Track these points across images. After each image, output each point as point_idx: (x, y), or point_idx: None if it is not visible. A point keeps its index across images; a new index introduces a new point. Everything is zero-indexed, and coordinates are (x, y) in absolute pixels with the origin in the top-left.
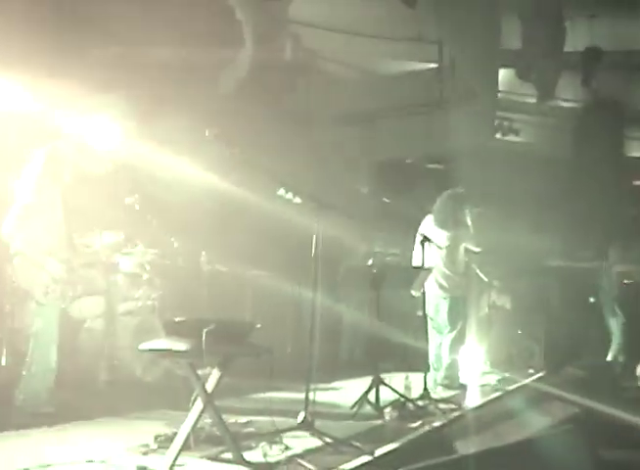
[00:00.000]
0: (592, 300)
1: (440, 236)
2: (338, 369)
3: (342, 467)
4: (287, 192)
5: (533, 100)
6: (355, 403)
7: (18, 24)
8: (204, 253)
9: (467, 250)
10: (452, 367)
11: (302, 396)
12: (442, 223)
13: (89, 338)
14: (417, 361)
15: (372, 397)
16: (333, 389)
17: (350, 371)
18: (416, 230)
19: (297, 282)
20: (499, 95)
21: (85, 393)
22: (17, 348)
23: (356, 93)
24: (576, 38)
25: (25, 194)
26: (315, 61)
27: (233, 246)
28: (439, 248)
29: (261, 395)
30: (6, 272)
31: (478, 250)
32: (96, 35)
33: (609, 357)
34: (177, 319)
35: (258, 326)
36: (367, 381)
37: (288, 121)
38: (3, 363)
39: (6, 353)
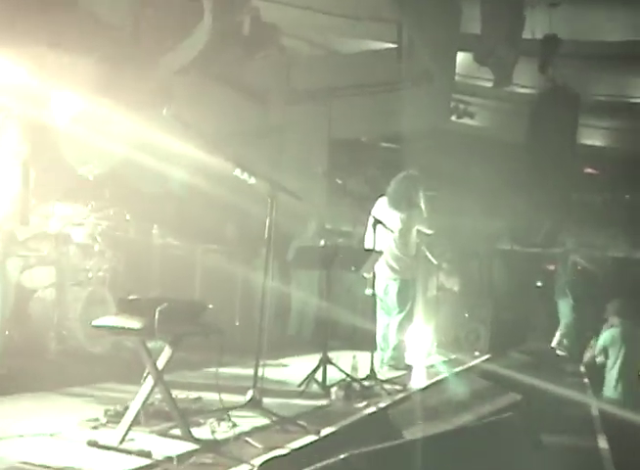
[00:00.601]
0: (539, 284)
1: (394, 218)
2: (286, 346)
3: (288, 446)
4: (242, 172)
5: (490, 84)
6: (302, 382)
7: None
8: (155, 226)
9: (419, 232)
10: (399, 348)
11: (250, 371)
12: (396, 205)
13: (40, 307)
14: (364, 341)
15: (319, 376)
16: (280, 365)
17: (298, 348)
18: (367, 208)
19: (247, 258)
20: (456, 78)
21: (34, 362)
22: None
23: (314, 70)
24: (535, 26)
25: None
26: (275, 36)
27: (185, 220)
28: (391, 231)
29: (210, 369)
30: None
31: (430, 232)
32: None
33: (553, 343)
34: (131, 297)
35: (210, 307)
36: (315, 359)
37: (245, 97)
38: None
39: None
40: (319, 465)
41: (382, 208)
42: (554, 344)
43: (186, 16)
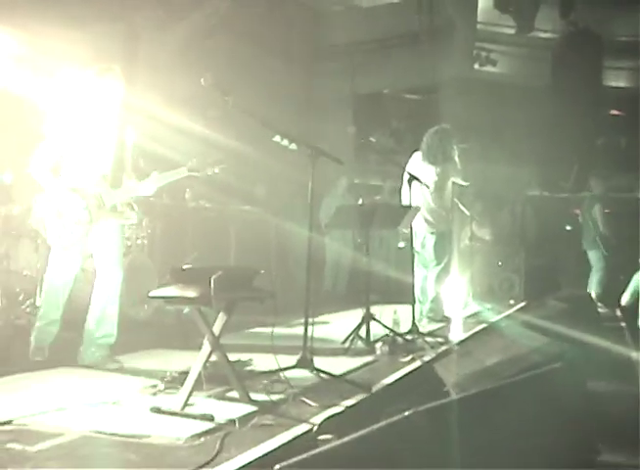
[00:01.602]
0: (569, 228)
1: (429, 172)
2: (323, 302)
3: (342, 403)
4: (282, 139)
5: (512, 31)
6: (346, 339)
7: None
8: (188, 190)
9: (453, 184)
10: (437, 300)
11: (293, 330)
12: (431, 159)
13: (82, 278)
14: (401, 294)
15: (363, 332)
16: (322, 323)
17: (335, 304)
18: (393, 161)
19: (279, 217)
20: (478, 26)
21: (79, 330)
22: (11, 290)
23: (336, 26)
24: None
25: (60, 126)
26: None
27: (215, 182)
28: (427, 186)
29: (254, 330)
30: None
31: (466, 184)
32: None
33: (589, 289)
34: (185, 267)
35: (262, 272)
36: (353, 314)
37: (270, 58)
38: None
39: (1, 295)
40: (383, 423)
41: (416, 163)
42: (589, 290)
43: None
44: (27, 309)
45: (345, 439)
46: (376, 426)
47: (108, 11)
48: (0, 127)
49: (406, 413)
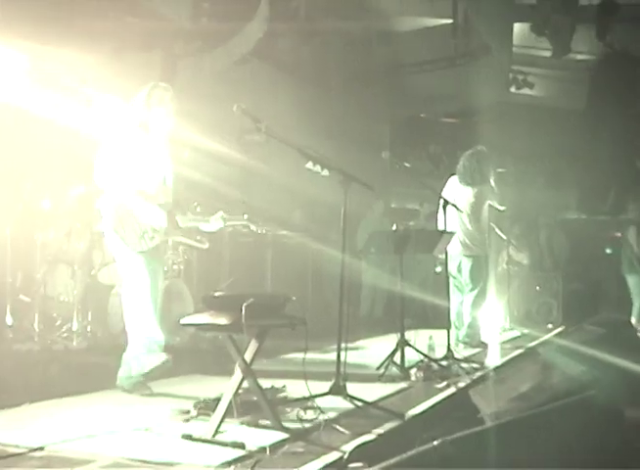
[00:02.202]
0: (608, 251)
1: (466, 194)
2: (359, 327)
3: (374, 431)
4: (314, 165)
5: (548, 54)
6: (381, 365)
7: None
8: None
9: (490, 207)
10: (473, 326)
11: (327, 356)
12: (467, 181)
13: (118, 303)
14: (437, 319)
15: (397, 358)
16: (357, 348)
17: (371, 329)
18: (430, 185)
19: (316, 243)
20: (514, 49)
21: (117, 358)
22: (48, 315)
23: (372, 51)
24: None
25: (125, 133)
26: (331, 19)
27: (252, 208)
28: (461, 211)
29: (287, 356)
30: (36, 241)
31: (502, 208)
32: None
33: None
34: (217, 294)
35: (294, 298)
36: (389, 339)
37: (305, 84)
38: (36, 329)
39: (38, 320)
40: (411, 453)
41: (452, 186)
42: (633, 321)
43: (243, 4)
44: (64, 334)
45: (375, 468)
46: (405, 455)
47: (145, 41)
48: (40, 156)
49: (435, 443)
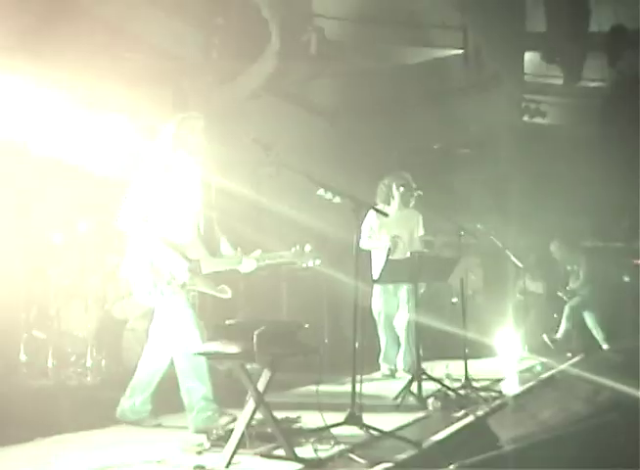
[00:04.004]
0: (626, 279)
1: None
2: (375, 358)
3: (391, 460)
4: (326, 192)
5: (560, 81)
6: (398, 395)
7: None
8: (239, 248)
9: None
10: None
11: (344, 388)
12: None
13: (133, 338)
14: (454, 349)
15: (414, 388)
16: (374, 379)
17: None
18: (444, 215)
19: (330, 274)
20: (525, 78)
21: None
22: (63, 350)
23: (382, 82)
24: (601, 18)
25: (153, 173)
26: (341, 53)
27: (266, 240)
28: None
29: (306, 388)
30: (49, 276)
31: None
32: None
33: None
34: (228, 322)
35: (306, 326)
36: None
37: (316, 117)
38: (50, 365)
39: (52, 356)
40: None
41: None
42: None
43: (253, 40)
44: (79, 370)
45: None
46: None
47: (155, 77)
48: (50, 190)
49: (451, 467)
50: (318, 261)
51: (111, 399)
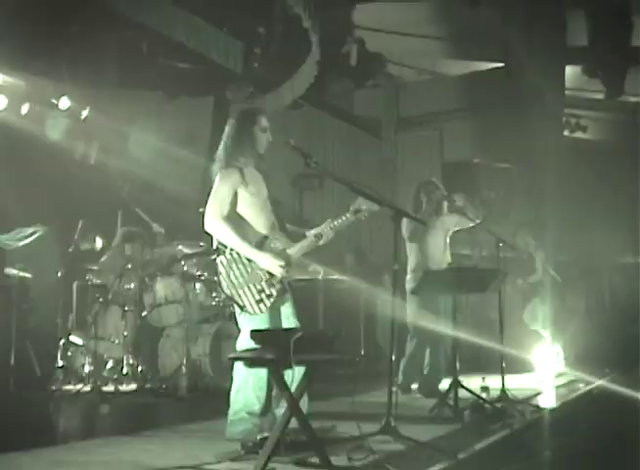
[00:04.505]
0: None
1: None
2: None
3: None
4: (365, 200)
5: (601, 96)
6: (434, 406)
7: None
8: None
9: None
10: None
11: (379, 398)
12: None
13: (169, 345)
14: (491, 363)
15: (450, 399)
16: (410, 391)
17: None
18: (483, 230)
19: (369, 286)
20: (566, 92)
21: (167, 400)
22: (99, 356)
23: (423, 96)
24: None
25: (223, 171)
26: (381, 65)
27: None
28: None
29: (341, 398)
30: (87, 283)
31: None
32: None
33: None
34: (264, 328)
35: (343, 334)
36: (443, 382)
37: (356, 128)
38: (87, 371)
39: (88, 361)
40: None
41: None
42: None
43: (294, 50)
44: (115, 376)
45: None
46: None
47: (197, 86)
48: (89, 197)
49: None
50: (376, 207)
51: (145, 404)
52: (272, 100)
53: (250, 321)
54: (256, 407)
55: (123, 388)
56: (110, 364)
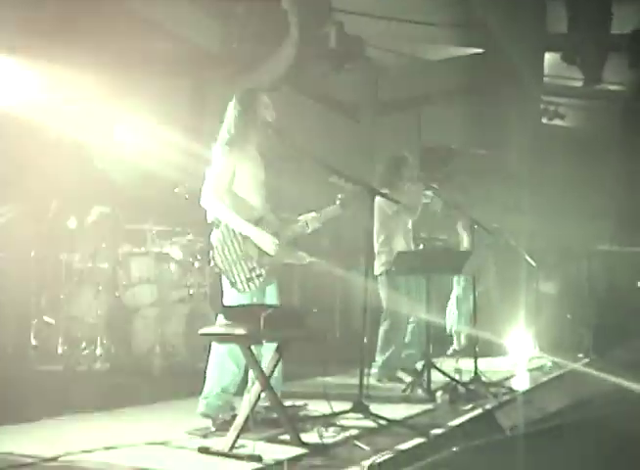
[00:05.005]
0: None
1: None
2: None
3: (396, 448)
4: (339, 179)
5: (580, 83)
6: (407, 387)
7: None
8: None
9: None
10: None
11: (354, 380)
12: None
13: (143, 325)
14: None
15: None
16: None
17: None
18: (459, 215)
19: (344, 269)
20: (545, 79)
21: (140, 379)
22: (73, 336)
23: (402, 80)
24: (623, 20)
25: (225, 148)
26: (360, 48)
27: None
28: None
29: (316, 379)
30: (61, 262)
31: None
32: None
33: None
34: (235, 305)
35: (315, 311)
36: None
37: (335, 111)
38: (60, 350)
39: (62, 341)
40: (431, 459)
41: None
42: None
43: (273, 31)
44: (88, 356)
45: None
46: (423, 462)
47: (173, 66)
48: (65, 175)
49: (454, 449)
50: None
51: (118, 384)
52: (250, 81)
53: (236, 298)
54: (230, 385)
55: (97, 367)
56: (83, 344)
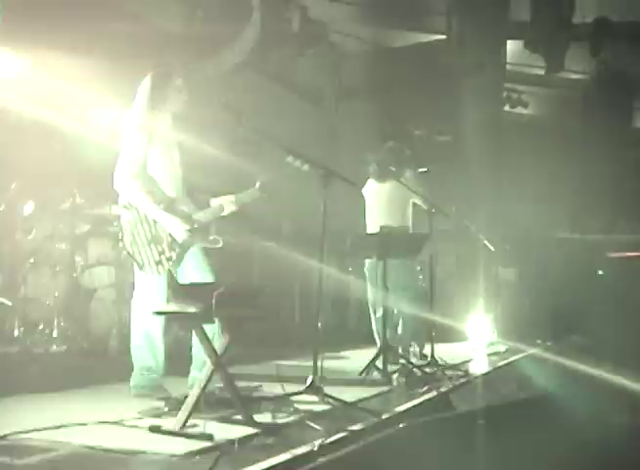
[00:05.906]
0: (601, 272)
1: (382, 190)
2: (346, 340)
3: (349, 428)
4: (295, 160)
5: (542, 71)
6: (363, 370)
7: None
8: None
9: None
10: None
11: (309, 363)
12: (381, 177)
13: (100, 307)
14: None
15: (380, 363)
16: (341, 357)
17: (358, 342)
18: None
19: (304, 254)
20: (507, 67)
21: (96, 361)
22: (29, 317)
23: (365, 66)
24: (586, 9)
25: (136, 130)
26: (324, 33)
27: (241, 218)
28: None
29: (271, 362)
30: (18, 241)
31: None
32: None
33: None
34: (187, 283)
35: (267, 289)
36: (375, 350)
37: (297, 95)
38: (16, 332)
39: (18, 323)
40: (381, 435)
41: (369, 187)
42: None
43: (236, 13)
44: (45, 337)
45: (342, 451)
46: (371, 438)
47: (137, 48)
48: (25, 157)
49: (401, 425)
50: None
51: (75, 366)
52: (213, 64)
53: (147, 280)
54: (152, 363)
55: (53, 349)
56: (40, 326)
